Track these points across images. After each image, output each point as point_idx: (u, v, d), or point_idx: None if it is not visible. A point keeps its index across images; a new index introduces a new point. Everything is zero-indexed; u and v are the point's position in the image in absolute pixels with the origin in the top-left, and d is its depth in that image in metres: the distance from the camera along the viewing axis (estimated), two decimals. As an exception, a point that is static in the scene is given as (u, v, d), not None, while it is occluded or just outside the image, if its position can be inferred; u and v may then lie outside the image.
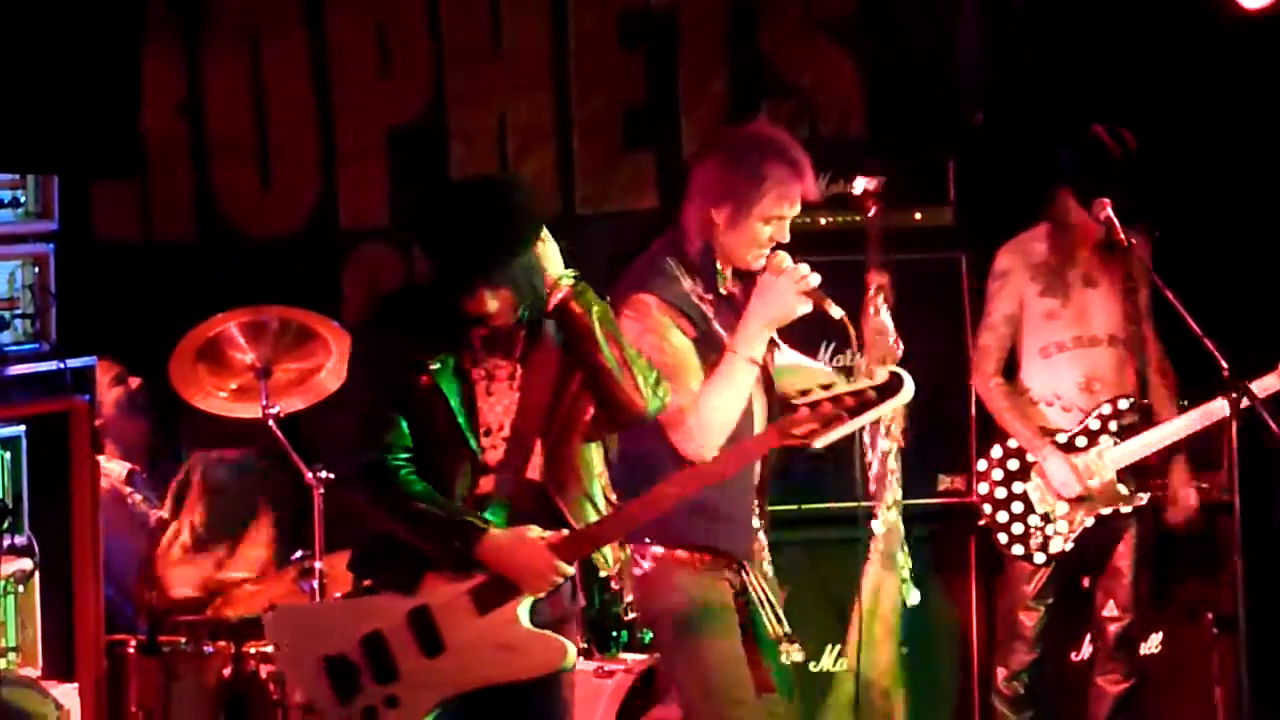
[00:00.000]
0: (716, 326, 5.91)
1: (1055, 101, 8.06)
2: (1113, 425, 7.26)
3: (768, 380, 6.07)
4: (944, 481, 7.68)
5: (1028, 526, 7.27)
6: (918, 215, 7.79)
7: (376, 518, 5.43)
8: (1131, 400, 7.28)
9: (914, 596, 6.88)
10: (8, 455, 6.61)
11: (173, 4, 8.38)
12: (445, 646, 5.36)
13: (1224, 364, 6.66)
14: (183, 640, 7.05)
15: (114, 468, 7.51)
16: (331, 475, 7.04)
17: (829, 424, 5.47)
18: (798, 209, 5.97)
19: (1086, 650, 7.65)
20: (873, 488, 6.59)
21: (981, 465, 7.37)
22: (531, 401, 5.44)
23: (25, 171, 6.85)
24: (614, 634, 7.13)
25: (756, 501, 6.04)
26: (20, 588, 6.50)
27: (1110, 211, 7.06)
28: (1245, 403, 6.67)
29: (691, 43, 8.59)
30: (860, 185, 6.76)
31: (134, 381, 7.65)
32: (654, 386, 5.51)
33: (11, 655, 6.50)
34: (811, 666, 7.64)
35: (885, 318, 6.32)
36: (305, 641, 5.47)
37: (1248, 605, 6.73)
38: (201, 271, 8.30)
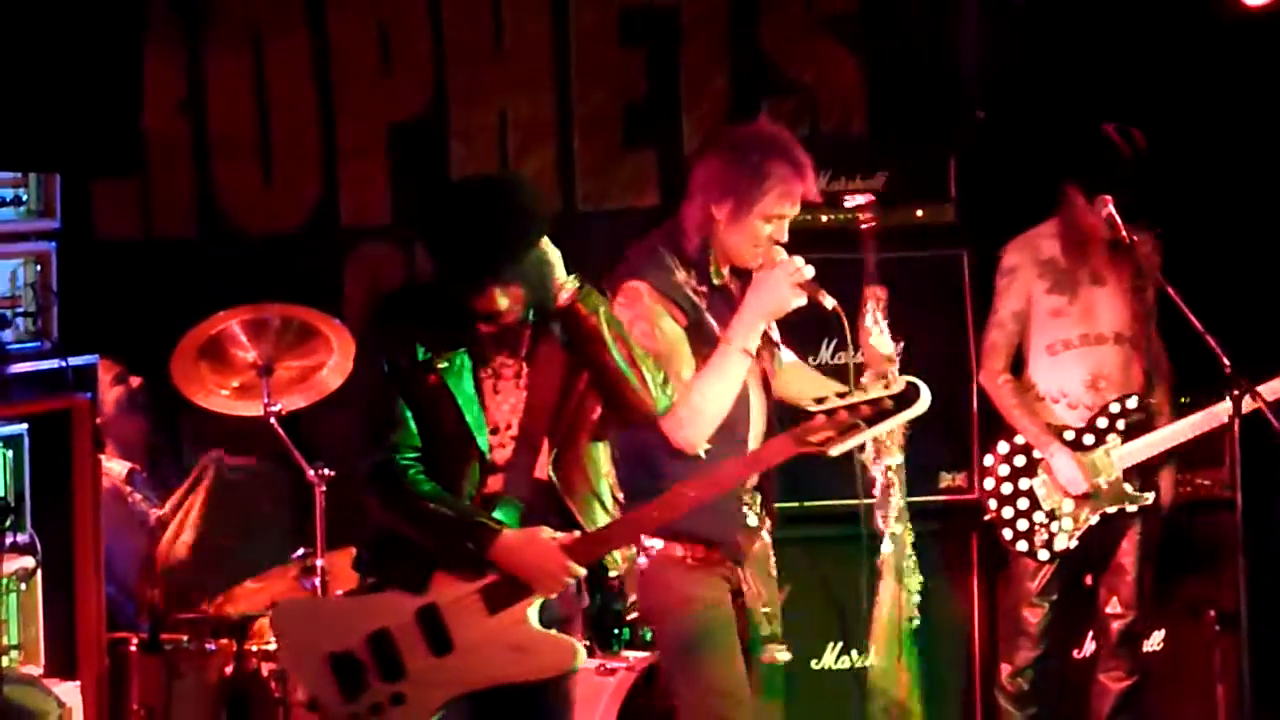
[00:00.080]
0: (709, 318, 5.93)
1: (1056, 99, 8.06)
2: (1120, 424, 7.25)
3: (765, 379, 6.09)
4: (946, 479, 7.68)
5: (1033, 523, 7.27)
6: (919, 212, 7.78)
7: (386, 518, 5.41)
8: (1139, 399, 7.27)
9: (914, 608, 6.87)
10: (10, 453, 6.61)
11: (174, 2, 8.38)
12: (454, 645, 5.35)
13: (1226, 362, 6.67)
14: (184, 638, 7.05)
15: (115, 467, 7.50)
16: (333, 473, 7.06)
17: (845, 432, 5.47)
18: (798, 209, 5.99)
19: (1089, 647, 7.65)
20: (876, 495, 6.60)
21: (988, 461, 7.37)
22: (539, 400, 5.44)
23: (27, 170, 6.86)
24: (615, 631, 7.12)
25: (758, 501, 6.05)
26: (22, 586, 6.50)
27: (1112, 208, 7.06)
28: (1253, 404, 6.69)
29: (693, 40, 8.59)
30: (853, 201, 6.75)
31: (134, 381, 7.65)
32: (662, 386, 5.52)
33: (14, 653, 6.49)
34: (813, 664, 7.65)
35: (882, 334, 6.32)
36: (310, 637, 5.46)
37: (1249, 603, 6.74)
38: (203, 269, 8.29)
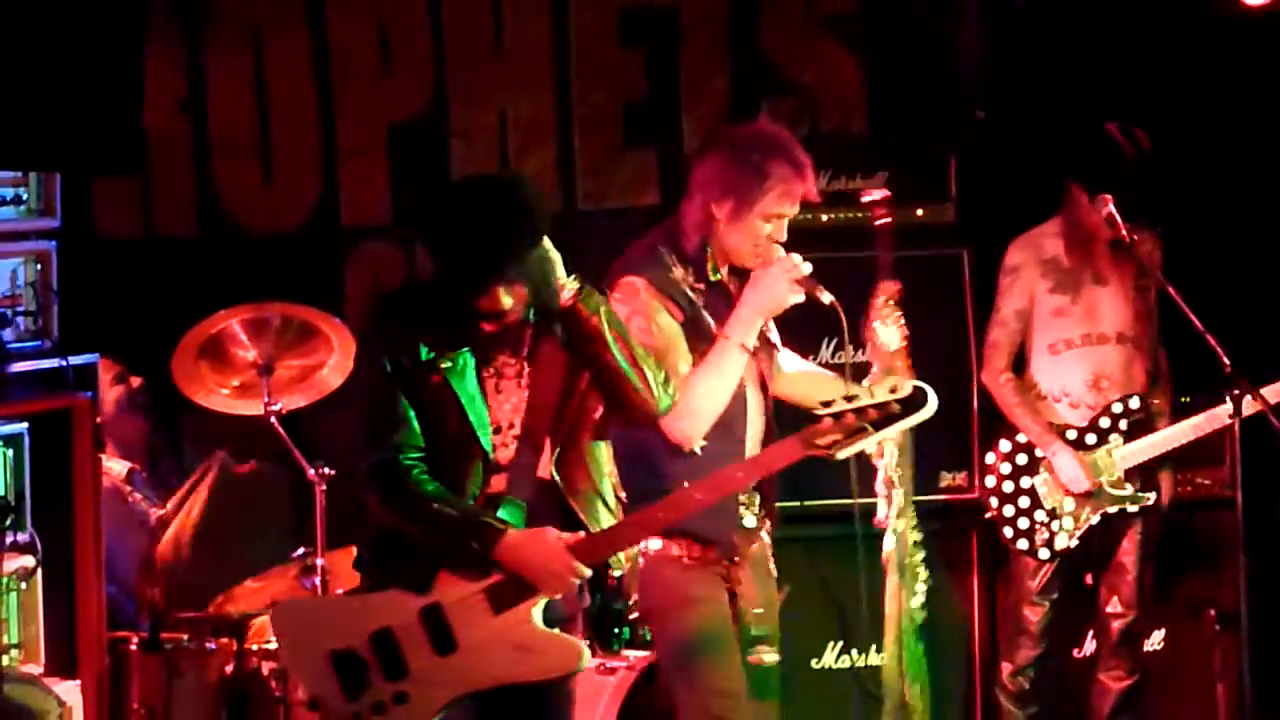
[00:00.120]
0: (705, 314, 5.95)
1: (1056, 98, 8.06)
2: (1123, 424, 7.26)
3: (762, 378, 6.10)
4: (946, 479, 7.68)
5: (1034, 521, 7.27)
6: (920, 212, 7.78)
7: (389, 518, 5.40)
8: (1142, 399, 7.27)
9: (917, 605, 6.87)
10: (10, 452, 6.60)
11: (174, 2, 8.38)
12: (458, 645, 5.34)
13: (1226, 361, 6.67)
14: (185, 637, 7.04)
15: (115, 466, 7.50)
16: (333, 472, 7.06)
17: (852, 436, 5.48)
18: (797, 208, 6.00)
19: (1089, 647, 7.65)
20: (879, 489, 6.60)
21: (989, 459, 7.37)
22: (541, 400, 5.44)
23: (27, 169, 6.85)
24: (615, 631, 7.12)
25: (756, 501, 6.05)
26: (23, 585, 6.50)
27: (1112, 208, 7.07)
28: (1254, 406, 6.69)
29: (693, 40, 8.59)
30: (868, 197, 6.75)
31: (135, 380, 7.65)
32: (663, 385, 5.52)
33: (14, 652, 6.48)
34: (813, 664, 7.65)
35: (896, 329, 6.34)
36: (311, 636, 5.44)
37: (1250, 602, 6.74)
38: (203, 269, 8.29)
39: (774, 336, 6.23)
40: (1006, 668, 7.40)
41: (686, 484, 5.80)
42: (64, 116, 6.72)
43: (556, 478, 5.46)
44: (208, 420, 7.56)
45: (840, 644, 7.67)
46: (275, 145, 8.52)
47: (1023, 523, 7.28)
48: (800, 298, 5.90)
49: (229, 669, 7.02)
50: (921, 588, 6.64)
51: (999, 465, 7.34)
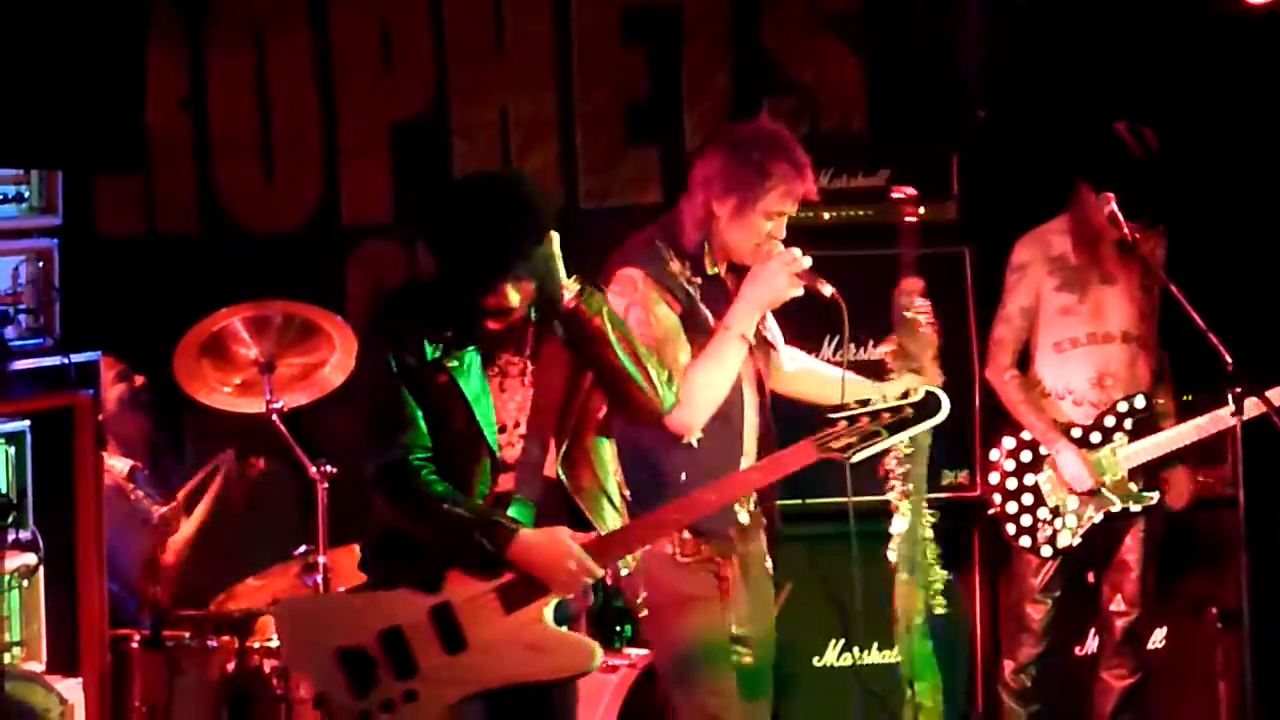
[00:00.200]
0: (702, 307, 5.96)
1: (1058, 96, 8.06)
2: (1127, 423, 7.25)
3: (759, 376, 6.12)
4: (948, 476, 7.68)
5: (1036, 519, 7.27)
6: (921, 210, 7.76)
7: (398, 519, 5.39)
8: (1147, 398, 7.27)
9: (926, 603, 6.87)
10: (12, 450, 6.59)
11: (176, 0, 8.38)
12: (468, 644, 5.34)
13: (1229, 360, 6.67)
14: (186, 635, 7.04)
15: (117, 464, 7.50)
16: (335, 470, 7.06)
17: (866, 440, 5.51)
18: (796, 207, 6.01)
19: (1091, 645, 7.65)
20: (891, 486, 6.62)
21: (993, 455, 7.37)
22: (545, 398, 5.44)
23: (29, 166, 6.84)
24: (617, 628, 7.12)
25: (751, 500, 6.06)
26: (24, 582, 6.48)
27: (1115, 206, 7.06)
28: (1259, 407, 6.70)
29: (694, 38, 8.60)
30: (898, 195, 6.75)
31: (138, 379, 7.65)
32: (667, 383, 5.52)
33: (16, 650, 6.47)
34: (815, 662, 7.65)
35: (925, 323, 6.38)
36: (317, 634, 5.43)
37: (1252, 600, 6.74)
38: (204, 267, 8.30)
39: (775, 335, 6.25)
40: (1009, 665, 7.40)
41: (684, 475, 5.84)
42: (66, 114, 6.70)
43: (562, 476, 5.45)
44: (209, 418, 7.56)
45: (842, 642, 7.66)
46: (277, 144, 8.52)
47: (1025, 520, 7.28)
48: (799, 291, 5.93)
49: (231, 667, 7.01)
50: (940, 586, 6.65)
51: (1002, 462, 7.34)
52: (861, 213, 7.68)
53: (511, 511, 5.38)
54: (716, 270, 6.03)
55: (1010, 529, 7.31)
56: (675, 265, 5.99)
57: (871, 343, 7.53)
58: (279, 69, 8.51)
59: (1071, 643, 7.67)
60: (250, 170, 8.52)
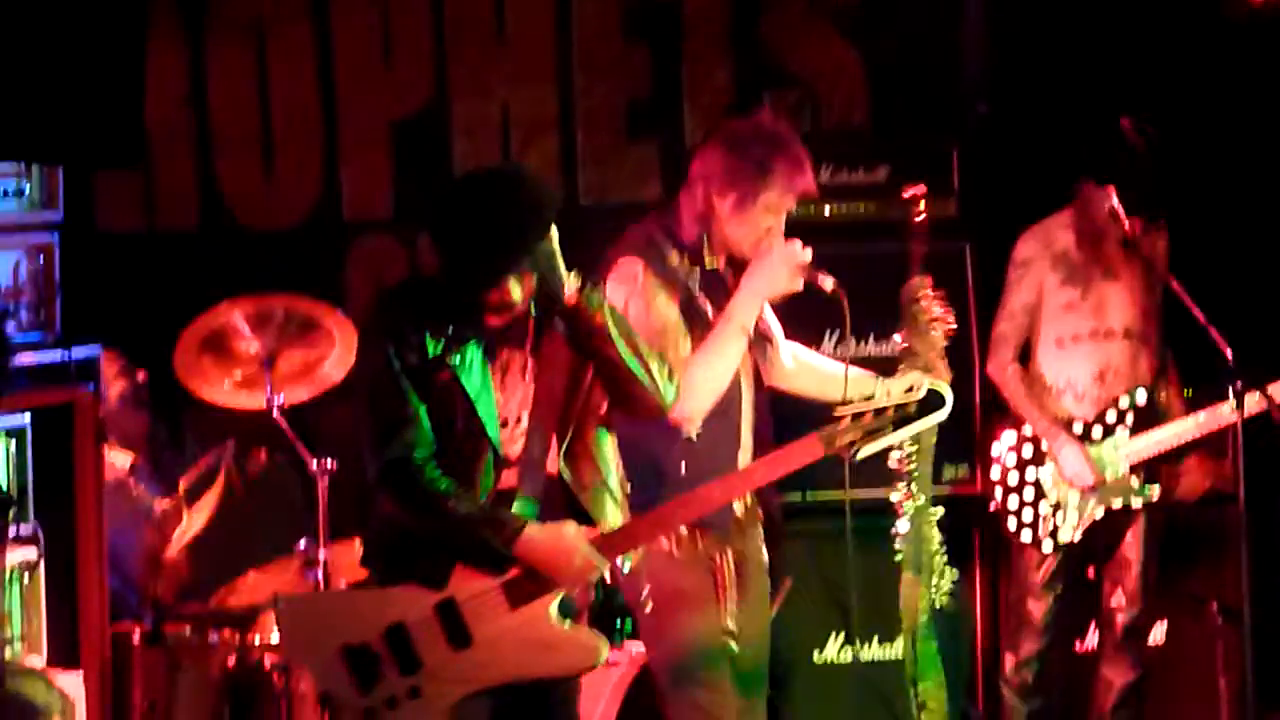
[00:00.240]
0: (702, 300, 5.96)
1: (1060, 92, 8.06)
2: (1129, 419, 7.25)
3: (756, 371, 6.13)
4: (949, 471, 7.68)
5: (1038, 513, 7.26)
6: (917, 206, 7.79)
7: (406, 517, 5.36)
8: (1149, 394, 7.27)
9: (930, 601, 6.88)
10: (13, 445, 6.60)
11: (177, -5, 8.42)
12: (473, 640, 5.31)
13: (1229, 354, 6.68)
14: (187, 630, 7.04)
15: (118, 459, 7.51)
16: (336, 465, 7.05)
17: (871, 435, 5.52)
18: (795, 202, 6.03)
19: (1092, 640, 7.65)
20: (896, 486, 6.63)
21: (995, 450, 7.36)
22: (546, 393, 5.42)
23: (29, 161, 6.85)
24: (618, 624, 7.12)
25: (749, 495, 6.07)
26: (25, 577, 6.49)
27: (1116, 201, 7.06)
28: (1261, 403, 6.71)
29: (695, 34, 8.60)
30: (909, 193, 6.75)
31: (140, 374, 7.65)
32: (668, 379, 5.52)
33: (17, 644, 6.48)
34: (815, 657, 7.65)
35: (934, 328, 6.40)
36: (321, 630, 5.40)
37: (1252, 596, 6.74)
38: (204, 262, 8.30)
39: (775, 330, 6.25)
40: (1010, 661, 7.39)
41: (684, 468, 5.85)
42: (66, 110, 6.71)
43: (564, 472, 5.45)
44: (210, 414, 7.56)
45: (841, 637, 7.66)
46: (277, 139, 8.53)
47: (1027, 515, 7.28)
48: (799, 285, 5.92)
49: (231, 662, 7.01)
50: (948, 585, 6.66)
51: (1004, 457, 7.34)
52: (862, 208, 7.68)
53: (515, 507, 5.36)
54: (715, 264, 6.04)
55: (1011, 524, 7.30)
56: (674, 258, 6.00)
57: (872, 336, 7.54)
58: (279, 64, 8.51)
59: (1072, 638, 7.67)
60: (250, 166, 8.52)
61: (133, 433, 7.69)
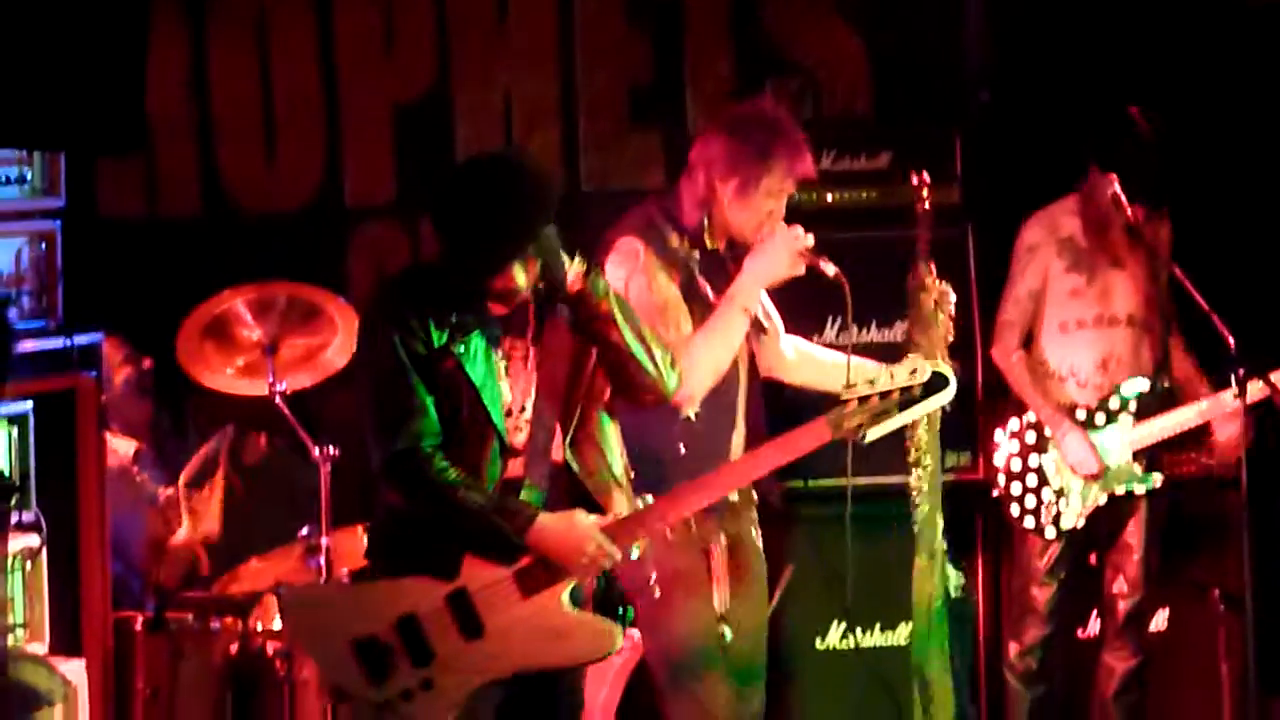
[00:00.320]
0: (701, 282, 5.99)
1: (1062, 78, 8.06)
2: (1132, 405, 7.25)
3: (752, 356, 6.15)
4: (951, 458, 7.66)
5: (1040, 500, 7.26)
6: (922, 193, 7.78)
7: (416, 509, 5.35)
8: (1153, 382, 7.27)
9: (954, 582, 6.88)
10: (15, 432, 6.60)
11: (179, -18, 8.41)
12: (486, 630, 5.30)
13: (1232, 342, 6.68)
14: (189, 617, 7.04)
15: (121, 446, 7.51)
16: (338, 452, 7.05)
17: (878, 418, 5.52)
18: (795, 186, 6.07)
19: (1094, 627, 7.65)
20: (912, 473, 6.64)
21: (998, 436, 7.36)
22: (549, 381, 5.41)
23: (31, 148, 6.84)
24: (620, 610, 7.11)
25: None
26: (28, 564, 6.49)
27: (1119, 188, 7.06)
28: (1263, 389, 6.71)
29: (697, 21, 8.59)
30: (915, 180, 6.75)
31: (146, 362, 7.65)
32: (671, 367, 5.52)
33: (19, 631, 6.48)
34: (817, 644, 7.65)
35: (939, 320, 6.42)
36: (330, 624, 5.39)
37: (1254, 583, 6.75)
38: (207, 249, 8.30)
39: (776, 322, 6.28)
40: (1014, 648, 7.39)
41: (682, 448, 5.86)
42: (68, 96, 6.69)
43: (570, 460, 5.44)
44: (212, 400, 7.56)
45: (844, 624, 7.66)
46: (279, 125, 8.51)
47: (1030, 501, 7.27)
48: (801, 270, 5.95)
49: (234, 649, 7.01)
50: (954, 574, 6.67)
51: (1006, 443, 7.33)
52: (864, 195, 7.67)
53: (522, 496, 5.36)
54: (716, 246, 6.07)
55: (1014, 510, 7.30)
56: (674, 239, 6.03)
57: (875, 323, 7.54)
58: (281, 51, 8.50)
59: (1074, 625, 7.67)
60: (252, 152, 8.52)
61: (137, 420, 7.71)
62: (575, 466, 5.44)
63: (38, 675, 6.34)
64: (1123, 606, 7.35)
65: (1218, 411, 7.16)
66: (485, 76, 8.54)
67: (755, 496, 6.24)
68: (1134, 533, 7.30)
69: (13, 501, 6.13)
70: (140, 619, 6.96)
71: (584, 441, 5.47)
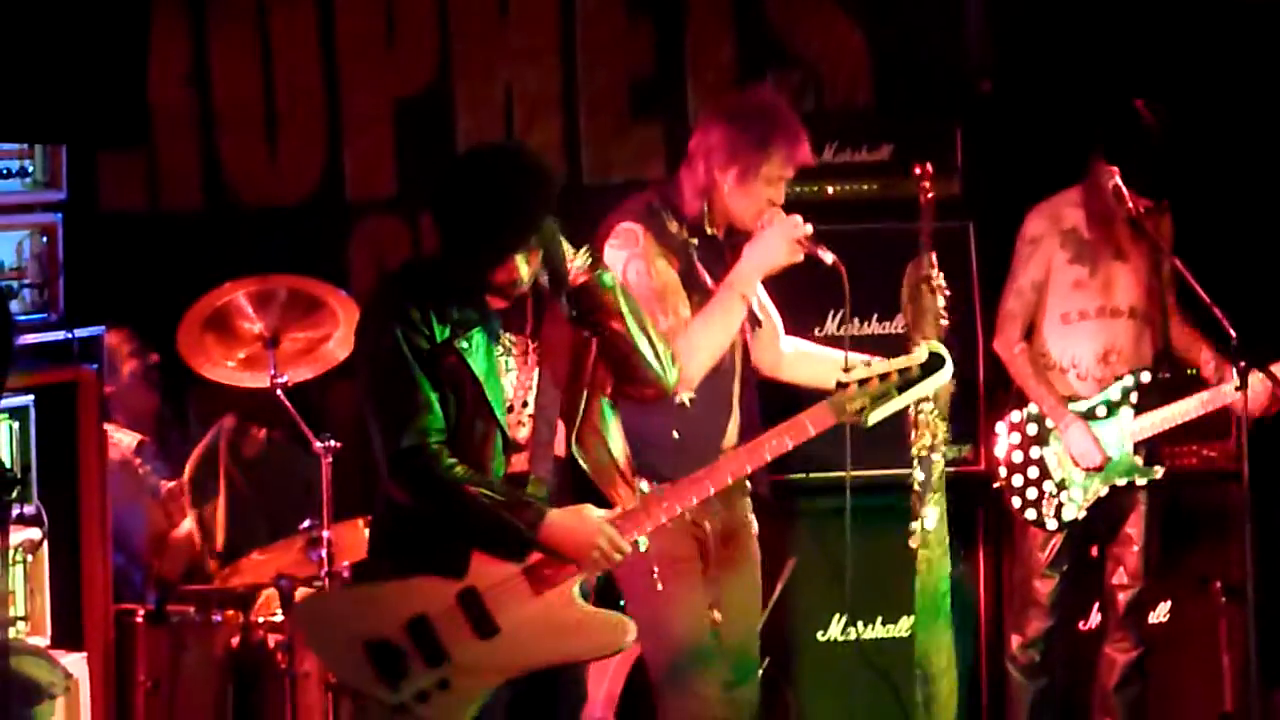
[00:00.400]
0: (700, 268, 6.02)
1: (1063, 70, 8.06)
2: (1133, 397, 7.24)
3: (745, 347, 6.17)
4: (952, 450, 7.66)
5: (1042, 492, 7.26)
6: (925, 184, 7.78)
7: (423, 506, 5.33)
8: (1153, 373, 7.27)
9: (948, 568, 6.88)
10: (16, 424, 6.59)
11: (180, -26, 8.40)
12: (499, 628, 5.28)
13: (1233, 333, 6.68)
14: (191, 609, 7.05)
15: (124, 438, 7.51)
16: (339, 445, 7.05)
17: (879, 400, 5.52)
18: (794, 173, 6.11)
19: (1095, 619, 7.65)
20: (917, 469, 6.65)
21: (999, 428, 7.36)
22: (551, 376, 5.41)
23: (33, 141, 6.84)
24: (620, 602, 7.11)
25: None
26: (29, 557, 6.48)
27: (1120, 180, 7.06)
28: (1265, 381, 6.72)
29: (698, 13, 8.59)
30: (918, 172, 6.75)
31: (153, 356, 7.66)
32: (672, 361, 5.52)
33: (20, 624, 6.48)
34: (818, 636, 7.65)
35: (937, 298, 6.43)
36: (342, 629, 5.37)
37: (1256, 574, 6.75)
38: (208, 242, 8.29)
39: (774, 319, 6.30)
40: (1016, 640, 7.39)
41: (676, 433, 5.86)
42: (69, 89, 6.69)
43: (577, 454, 5.43)
44: (214, 393, 7.56)
45: (844, 617, 7.66)
46: (280, 118, 8.51)
47: (1031, 493, 7.27)
48: (800, 258, 5.97)
49: (235, 641, 7.02)
50: (949, 564, 6.68)
51: (1008, 435, 7.33)
52: (866, 187, 7.67)
53: (529, 491, 5.35)
54: (716, 233, 6.09)
55: (1016, 502, 7.30)
56: (673, 226, 6.05)
57: (875, 315, 7.54)
58: (283, 43, 8.49)
59: (1075, 617, 7.67)
60: (254, 145, 8.50)
61: (141, 412, 7.71)
62: (583, 460, 5.43)
63: (39, 668, 6.32)
64: (1123, 598, 7.35)
65: (1219, 403, 7.16)
66: (486, 70, 8.53)
67: (748, 484, 6.23)
68: (1134, 524, 7.31)
69: (14, 494, 6.12)
70: (141, 612, 6.96)
71: (588, 434, 5.46)
